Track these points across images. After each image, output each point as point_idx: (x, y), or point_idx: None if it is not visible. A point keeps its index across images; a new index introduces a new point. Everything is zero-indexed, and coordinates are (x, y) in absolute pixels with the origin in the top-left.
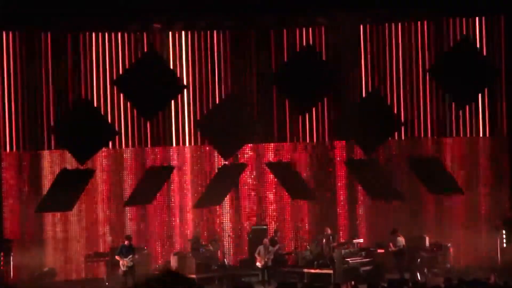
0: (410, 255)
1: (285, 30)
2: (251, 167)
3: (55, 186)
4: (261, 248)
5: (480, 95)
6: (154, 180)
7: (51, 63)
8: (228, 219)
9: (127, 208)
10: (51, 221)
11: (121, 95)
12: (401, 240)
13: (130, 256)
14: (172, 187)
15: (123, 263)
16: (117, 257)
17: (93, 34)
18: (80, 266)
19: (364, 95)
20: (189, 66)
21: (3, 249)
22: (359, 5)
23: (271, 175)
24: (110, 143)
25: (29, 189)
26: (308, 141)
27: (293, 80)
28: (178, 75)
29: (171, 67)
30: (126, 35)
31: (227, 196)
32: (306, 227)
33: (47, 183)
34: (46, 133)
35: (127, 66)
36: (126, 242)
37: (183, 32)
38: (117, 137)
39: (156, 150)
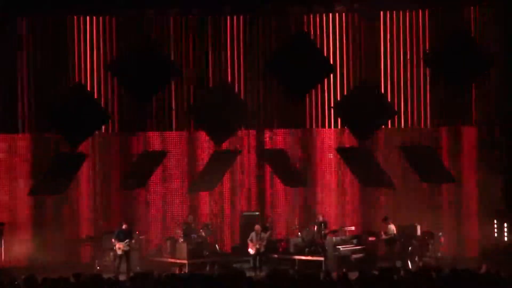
0: (401, 243)
1: (279, 17)
2: (244, 153)
3: (49, 169)
4: (253, 234)
5: (474, 84)
6: (147, 164)
7: (44, 47)
8: (220, 205)
9: (120, 192)
10: (43, 204)
11: (115, 79)
12: (392, 228)
13: (127, 240)
14: (164, 172)
15: (119, 246)
16: (113, 241)
17: (87, 18)
18: (71, 249)
19: (358, 83)
20: (183, 51)
21: None
22: None
23: (264, 162)
24: (103, 127)
25: (22, 172)
26: (300, 128)
27: (287, 67)
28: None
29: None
30: (120, 19)
31: (220, 181)
32: (298, 214)
33: (41, 167)
34: (39, 116)
35: (120, 51)
36: (124, 226)
37: (177, 18)
38: (110, 121)
39: (149, 135)
